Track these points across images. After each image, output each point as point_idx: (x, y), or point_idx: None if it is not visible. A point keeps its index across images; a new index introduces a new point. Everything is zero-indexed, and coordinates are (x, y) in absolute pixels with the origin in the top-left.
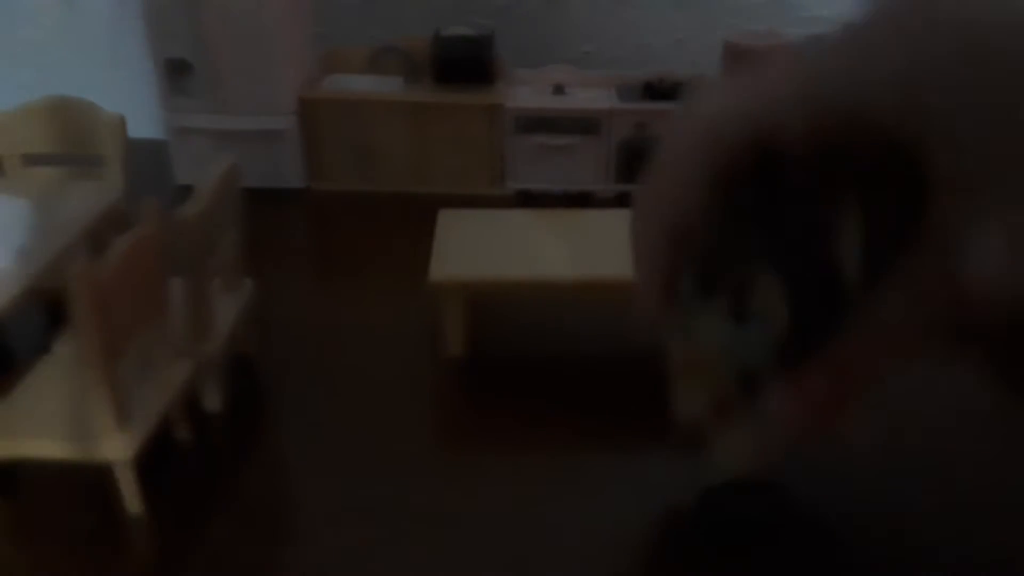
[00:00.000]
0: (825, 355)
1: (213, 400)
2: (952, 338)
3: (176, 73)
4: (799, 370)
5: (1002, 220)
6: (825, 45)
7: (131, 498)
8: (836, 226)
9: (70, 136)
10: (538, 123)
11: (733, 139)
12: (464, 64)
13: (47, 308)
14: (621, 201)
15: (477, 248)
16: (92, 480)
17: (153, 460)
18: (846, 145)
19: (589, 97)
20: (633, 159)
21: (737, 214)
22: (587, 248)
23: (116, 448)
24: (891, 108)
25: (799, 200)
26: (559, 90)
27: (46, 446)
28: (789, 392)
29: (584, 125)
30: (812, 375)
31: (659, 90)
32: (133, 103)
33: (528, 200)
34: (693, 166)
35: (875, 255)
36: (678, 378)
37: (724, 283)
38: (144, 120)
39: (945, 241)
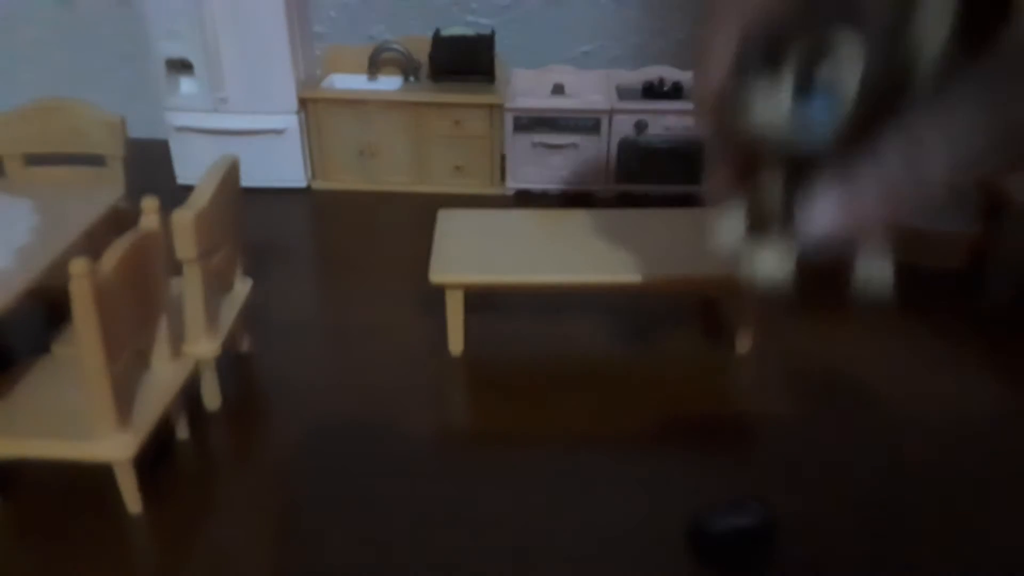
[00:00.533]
0: (886, 163)
1: (213, 399)
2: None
3: (176, 73)
4: (856, 175)
5: None
6: None
7: (131, 498)
8: (927, 1)
9: (70, 136)
10: (538, 123)
11: None
12: (464, 64)
13: (47, 308)
14: (621, 201)
15: (477, 248)
16: (92, 480)
17: (153, 459)
18: None
19: (589, 97)
20: (633, 159)
21: None
22: (587, 248)
23: (116, 448)
24: None
25: None
26: (559, 90)
27: (46, 446)
28: (841, 196)
29: (584, 125)
30: (868, 183)
31: (659, 90)
32: (133, 103)
33: (528, 200)
34: None
35: (958, 45)
36: (721, 196)
37: (795, 49)
38: (144, 120)
39: None
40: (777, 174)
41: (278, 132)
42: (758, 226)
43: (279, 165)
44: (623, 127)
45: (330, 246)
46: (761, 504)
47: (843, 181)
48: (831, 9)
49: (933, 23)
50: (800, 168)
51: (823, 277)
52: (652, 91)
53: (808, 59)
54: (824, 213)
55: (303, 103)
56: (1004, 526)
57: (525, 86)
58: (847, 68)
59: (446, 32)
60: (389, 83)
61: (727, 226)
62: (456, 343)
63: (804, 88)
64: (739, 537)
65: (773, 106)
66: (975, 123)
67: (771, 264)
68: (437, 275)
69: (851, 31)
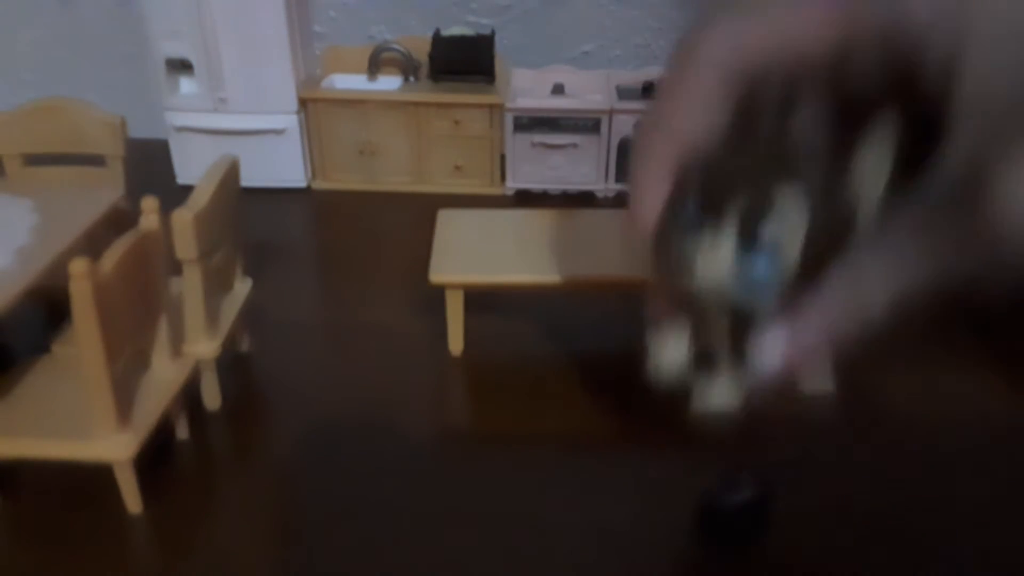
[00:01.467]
0: (831, 297)
1: (213, 399)
2: (953, 320)
3: (176, 73)
4: (801, 311)
5: None
6: None
7: (131, 498)
8: (865, 150)
9: (70, 136)
10: (538, 123)
11: (758, 56)
12: (464, 64)
13: (47, 308)
14: (621, 201)
15: (477, 248)
16: (92, 480)
17: (152, 459)
18: (878, 61)
19: (589, 97)
20: None
21: (762, 134)
22: (586, 248)
23: (116, 448)
24: (927, 22)
25: (827, 121)
26: (559, 90)
27: (46, 446)
28: (787, 335)
29: (584, 125)
30: (814, 317)
31: None
32: (133, 103)
33: (528, 200)
34: (711, 87)
35: (897, 185)
36: (663, 323)
37: (735, 204)
38: (144, 120)
39: (971, 169)
40: (721, 318)
41: (278, 132)
42: (703, 359)
43: (279, 165)
44: (623, 127)
45: (330, 246)
46: (750, 474)
47: (788, 319)
48: (767, 159)
49: (873, 171)
50: (744, 315)
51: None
52: (652, 91)
53: (749, 215)
54: (771, 352)
55: (303, 103)
56: (1003, 526)
57: (525, 86)
58: (791, 225)
59: (446, 32)
60: (389, 83)
61: (670, 353)
62: (456, 343)
63: (747, 246)
64: (747, 511)
65: (714, 265)
66: (914, 254)
67: (720, 397)
68: (437, 275)
69: (791, 185)
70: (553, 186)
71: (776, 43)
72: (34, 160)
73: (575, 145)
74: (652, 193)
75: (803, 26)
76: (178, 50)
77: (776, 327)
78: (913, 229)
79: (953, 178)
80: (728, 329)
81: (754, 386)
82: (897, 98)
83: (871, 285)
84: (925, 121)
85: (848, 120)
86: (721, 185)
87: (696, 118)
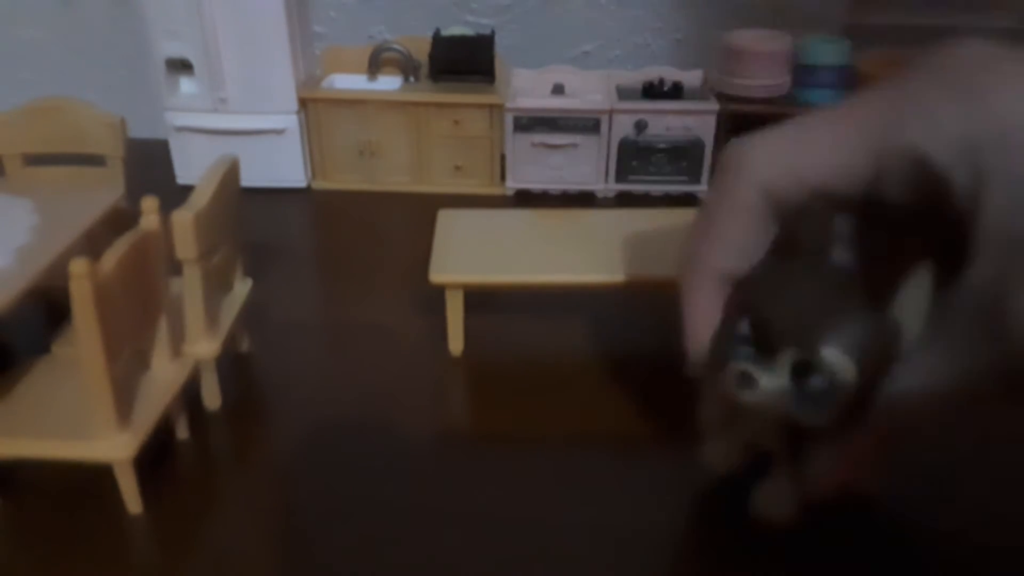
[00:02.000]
0: (879, 417)
1: (213, 399)
2: (1001, 395)
3: (176, 73)
4: (851, 431)
5: None
6: (881, 95)
7: (131, 498)
8: (906, 294)
9: (70, 136)
10: (538, 123)
11: (800, 175)
12: (464, 64)
13: (47, 308)
14: (621, 201)
15: (477, 248)
16: (92, 480)
17: (153, 459)
18: (909, 184)
19: (589, 97)
20: (633, 159)
21: (805, 260)
22: (587, 248)
23: (116, 448)
24: (948, 164)
25: (866, 248)
26: (559, 90)
27: (46, 446)
28: (840, 452)
29: (584, 125)
30: (864, 437)
31: (659, 90)
32: (133, 103)
33: (528, 200)
34: (753, 205)
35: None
36: (714, 430)
37: (788, 343)
38: (144, 120)
39: (992, 290)
40: (776, 427)
41: (278, 132)
42: (758, 461)
43: (279, 165)
44: (623, 127)
45: (330, 246)
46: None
47: (839, 435)
48: (814, 291)
49: (913, 311)
50: (799, 424)
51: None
52: (652, 91)
53: (800, 364)
54: (825, 465)
55: (303, 103)
56: (1003, 526)
57: (525, 86)
58: (843, 362)
59: (446, 32)
60: (389, 83)
61: (721, 454)
62: (456, 343)
63: (802, 373)
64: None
65: (771, 386)
66: (952, 365)
67: (774, 502)
68: (437, 275)
69: (842, 317)
70: (553, 186)
71: (815, 163)
72: (34, 160)
73: (575, 145)
74: (704, 313)
75: (840, 146)
76: (178, 50)
77: (827, 440)
78: (947, 340)
79: (977, 295)
80: (783, 435)
81: (811, 491)
82: (928, 220)
83: (913, 397)
84: (955, 237)
85: (886, 246)
86: (771, 321)
87: (741, 236)
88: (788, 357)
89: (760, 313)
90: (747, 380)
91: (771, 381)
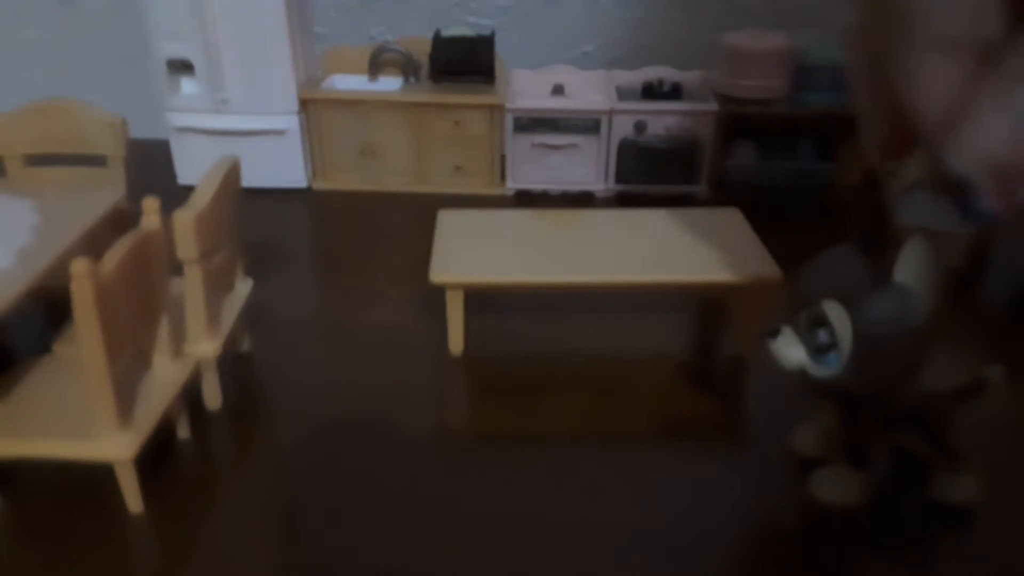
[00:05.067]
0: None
1: (213, 399)
2: None
3: (177, 73)
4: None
5: None
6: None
7: (132, 497)
8: (904, 255)
9: (71, 136)
10: (538, 123)
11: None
12: (464, 64)
13: (48, 308)
14: (621, 201)
15: (477, 248)
16: (92, 480)
17: (153, 459)
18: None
19: (589, 97)
20: (633, 159)
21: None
22: (587, 248)
23: (116, 448)
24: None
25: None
26: (559, 90)
27: (47, 446)
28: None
29: (584, 125)
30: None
31: (659, 90)
32: (133, 103)
33: (528, 200)
34: None
35: None
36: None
37: (801, 316)
38: (145, 120)
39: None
40: (832, 414)
41: (279, 132)
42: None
43: (280, 165)
44: (623, 127)
45: (330, 246)
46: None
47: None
48: (824, 285)
49: (911, 270)
50: (852, 413)
51: None
52: (652, 91)
53: (810, 323)
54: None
55: (304, 103)
56: (1002, 526)
57: (525, 86)
58: (840, 331)
59: (446, 33)
60: (389, 84)
61: (809, 443)
62: (456, 343)
63: (817, 348)
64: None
65: (796, 355)
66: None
67: (835, 488)
68: (437, 275)
69: (835, 303)
70: (553, 186)
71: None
72: (35, 160)
73: (575, 145)
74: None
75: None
76: (179, 51)
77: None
78: None
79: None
80: (839, 417)
81: (861, 479)
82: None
83: None
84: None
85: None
86: (808, 300)
87: None
88: (805, 316)
89: (806, 295)
90: (774, 332)
91: (794, 342)
